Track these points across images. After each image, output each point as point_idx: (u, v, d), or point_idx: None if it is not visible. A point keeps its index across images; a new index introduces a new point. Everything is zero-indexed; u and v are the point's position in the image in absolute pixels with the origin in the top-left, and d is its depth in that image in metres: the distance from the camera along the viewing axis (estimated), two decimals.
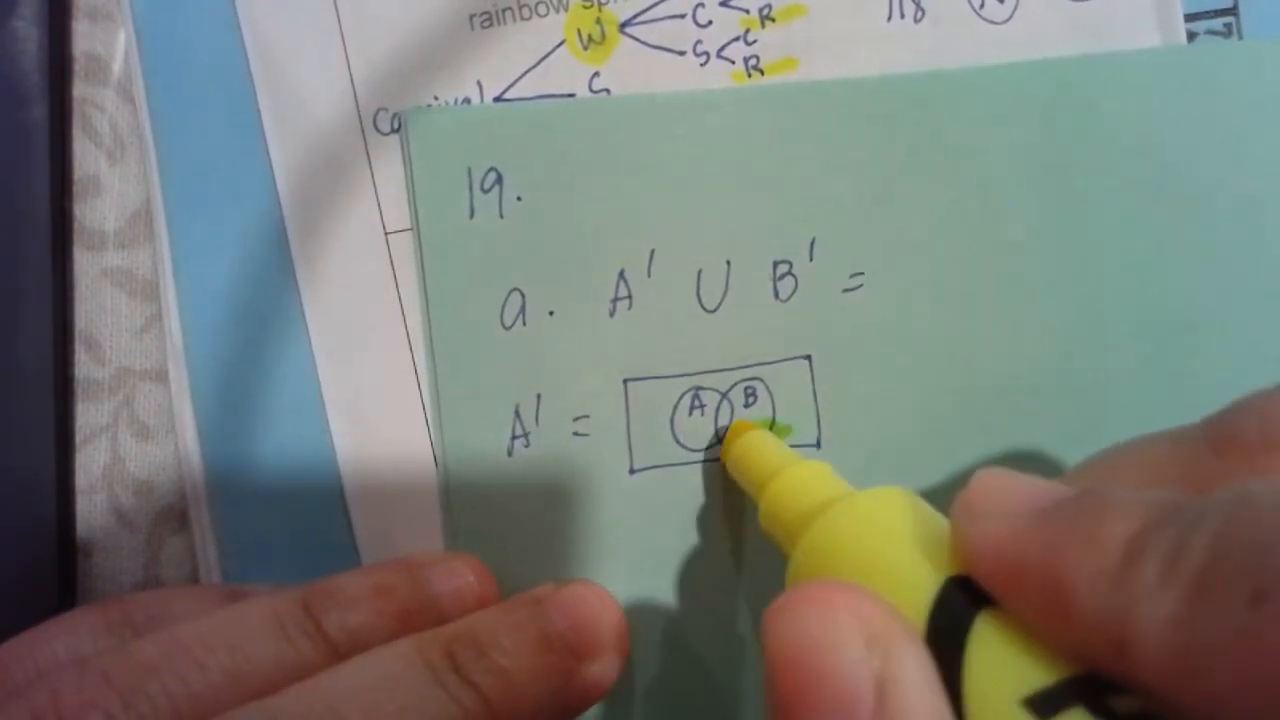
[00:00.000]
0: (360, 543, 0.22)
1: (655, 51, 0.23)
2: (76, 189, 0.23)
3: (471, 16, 0.23)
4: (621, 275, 0.22)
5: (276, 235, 0.22)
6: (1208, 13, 0.23)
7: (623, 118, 0.22)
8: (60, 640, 0.19)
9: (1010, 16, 0.23)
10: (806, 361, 0.23)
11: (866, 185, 0.22)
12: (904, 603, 0.13)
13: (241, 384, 0.22)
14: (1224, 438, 0.14)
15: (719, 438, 0.22)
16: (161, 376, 0.23)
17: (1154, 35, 0.23)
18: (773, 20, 0.23)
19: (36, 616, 0.19)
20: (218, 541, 0.22)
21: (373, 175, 0.23)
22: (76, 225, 0.23)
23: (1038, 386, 0.23)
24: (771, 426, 0.22)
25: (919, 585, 0.13)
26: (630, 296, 0.22)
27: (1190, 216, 0.23)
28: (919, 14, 0.23)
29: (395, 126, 0.22)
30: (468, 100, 0.23)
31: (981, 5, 0.23)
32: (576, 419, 0.22)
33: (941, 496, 0.15)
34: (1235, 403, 0.14)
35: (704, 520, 0.23)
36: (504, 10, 0.23)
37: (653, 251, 0.22)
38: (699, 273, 0.22)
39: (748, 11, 0.23)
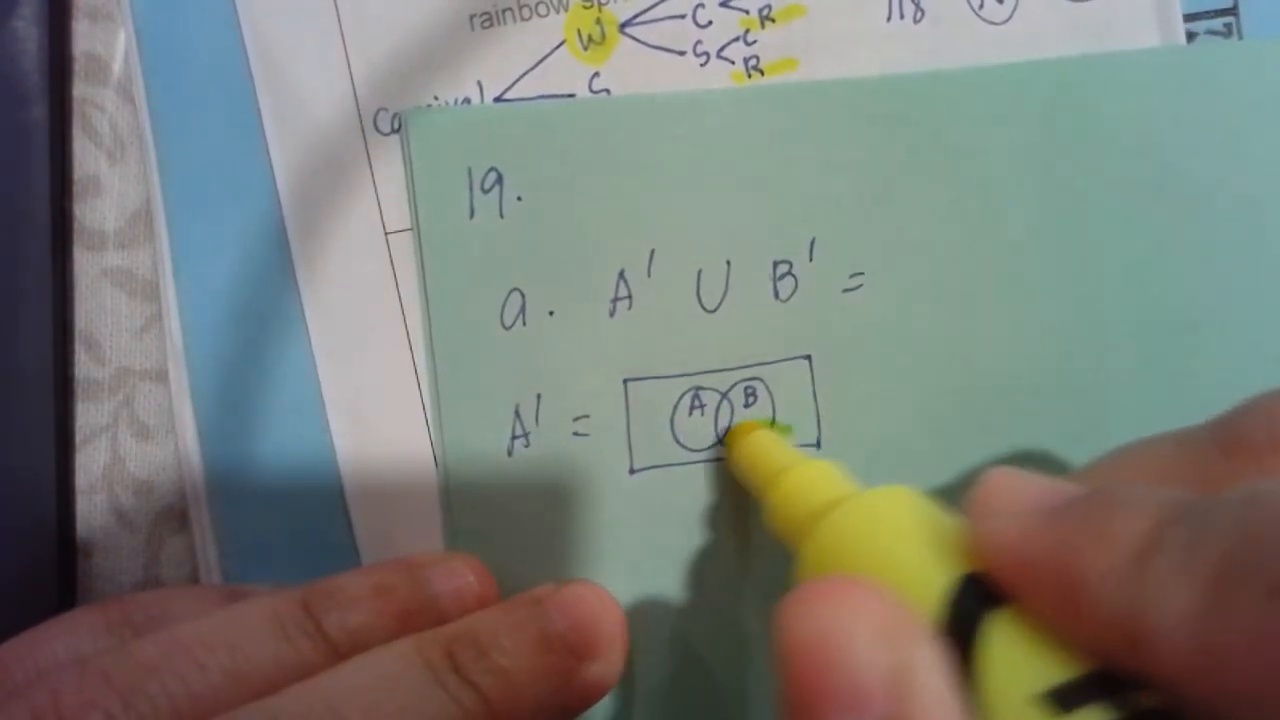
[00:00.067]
0: (360, 543, 0.22)
1: (655, 52, 0.23)
2: (76, 189, 0.23)
3: (471, 16, 0.23)
4: (621, 275, 0.22)
5: (276, 235, 0.22)
6: (1208, 13, 0.23)
7: (623, 118, 0.22)
8: (60, 640, 0.19)
9: (1010, 17, 0.23)
10: (806, 361, 0.23)
11: (866, 185, 0.22)
12: (915, 600, 0.13)
13: (241, 384, 0.22)
14: (1231, 438, 0.14)
15: (719, 438, 0.22)
16: (161, 376, 0.23)
17: (1154, 35, 0.23)
18: (773, 20, 0.23)
19: (36, 616, 0.19)
20: (218, 541, 0.22)
21: (373, 175, 0.23)
22: (76, 225, 0.23)
23: (1038, 386, 0.23)
24: (771, 427, 0.22)
25: (930, 582, 0.13)
26: (630, 296, 0.22)
27: (1190, 216, 0.23)
28: (919, 14, 0.23)
29: (395, 126, 0.23)
30: (468, 100, 0.23)
31: (981, 5, 0.23)
32: (576, 419, 0.22)
33: (942, 496, 0.15)
34: (1242, 404, 0.14)
35: (704, 520, 0.23)
36: (504, 10, 0.23)
37: (653, 251, 0.22)
38: (699, 273, 0.22)
39: (748, 12, 0.23)
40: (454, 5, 0.23)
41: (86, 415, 0.23)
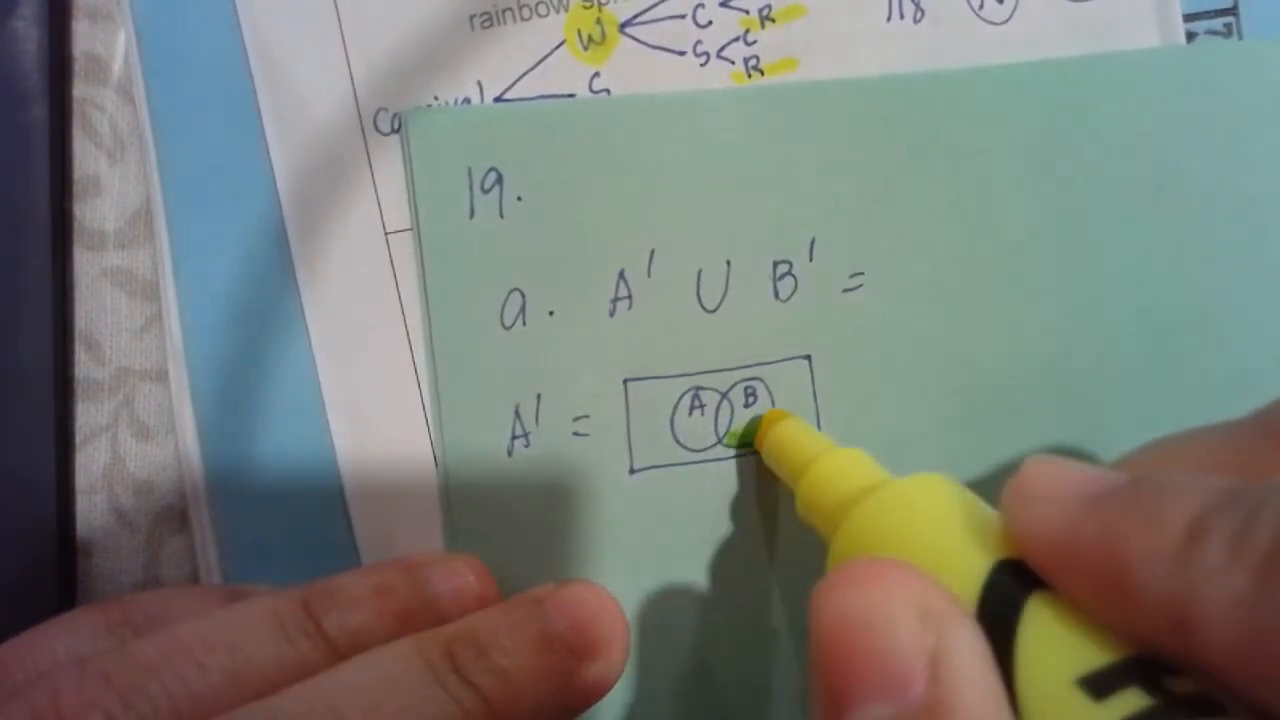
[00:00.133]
0: (360, 543, 0.22)
1: (655, 52, 0.23)
2: (76, 189, 0.23)
3: (471, 17, 0.23)
4: (621, 275, 0.22)
5: (276, 235, 0.22)
6: (1208, 13, 0.23)
7: (623, 118, 0.22)
8: (60, 640, 0.19)
9: (1010, 17, 0.23)
10: (806, 361, 0.23)
11: (866, 185, 0.22)
12: (952, 585, 0.13)
13: (241, 384, 0.22)
14: (1275, 429, 0.14)
15: (720, 438, 0.22)
16: (161, 376, 0.23)
17: (1154, 35, 0.23)
18: (773, 20, 0.23)
19: (36, 616, 0.19)
20: (218, 541, 0.22)
21: (373, 175, 0.23)
22: (76, 225, 0.23)
23: (1038, 386, 0.23)
24: None
25: (967, 568, 0.13)
26: (630, 296, 0.22)
27: (1190, 216, 0.23)
28: (919, 14, 0.23)
29: (395, 126, 0.23)
30: (468, 100, 0.23)
31: (981, 6, 0.23)
32: (576, 419, 0.22)
33: (1008, 480, 0.15)
34: None
35: (704, 520, 0.23)
36: (504, 10, 0.23)
37: (653, 251, 0.22)
38: (699, 273, 0.22)
39: (748, 12, 0.23)
40: (454, 5, 0.23)
41: (86, 415, 0.23)
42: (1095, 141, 0.23)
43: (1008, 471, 0.14)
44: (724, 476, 0.22)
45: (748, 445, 0.22)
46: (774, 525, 0.23)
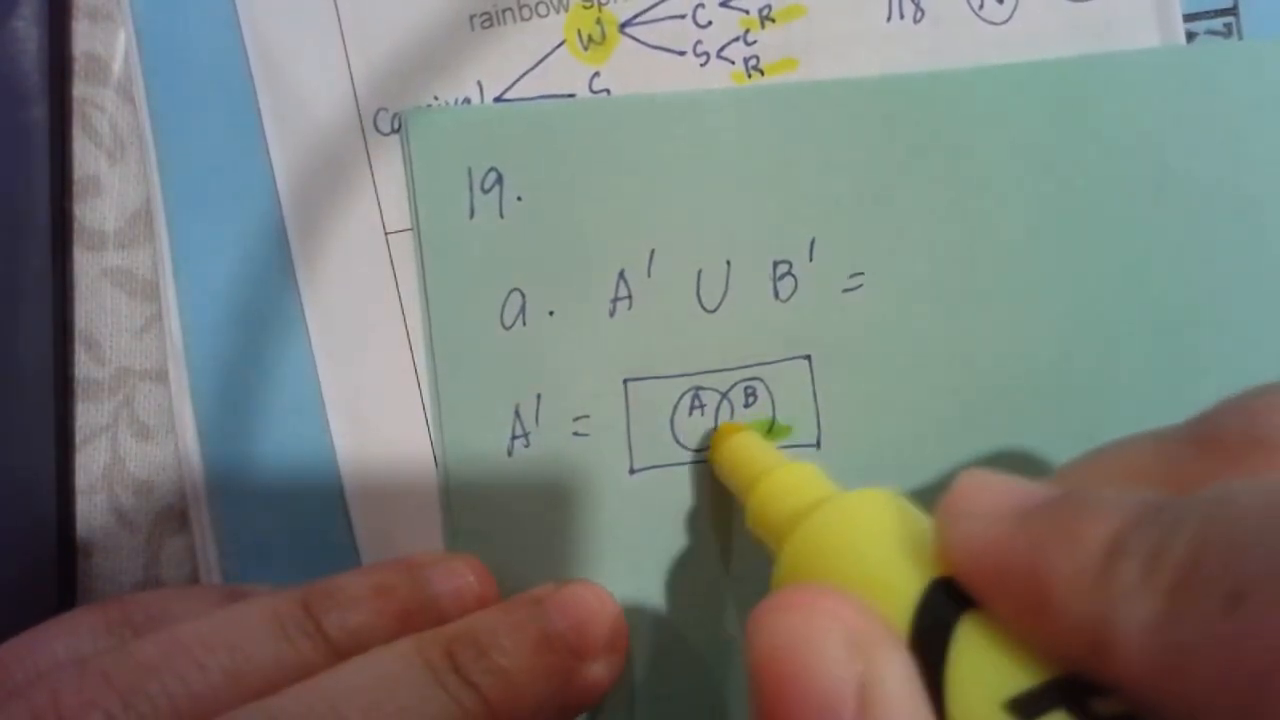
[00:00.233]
0: (360, 543, 0.22)
1: (655, 52, 0.23)
2: (76, 189, 0.23)
3: (471, 17, 0.23)
4: (621, 275, 0.22)
5: (276, 235, 0.22)
6: (1208, 13, 0.23)
7: (623, 118, 0.22)
8: (60, 640, 0.19)
9: (1010, 17, 0.23)
10: (806, 361, 0.23)
11: (866, 185, 0.22)
12: (889, 605, 0.13)
13: (241, 384, 0.22)
14: (1208, 437, 0.13)
15: None
16: (161, 376, 0.23)
17: (1154, 35, 0.23)
18: (773, 20, 0.23)
19: (36, 616, 0.19)
20: (218, 541, 0.22)
21: (373, 175, 0.23)
22: (76, 225, 0.23)
23: (1038, 386, 0.23)
24: (771, 426, 0.22)
25: (903, 587, 0.13)
26: (630, 296, 0.22)
27: (1190, 216, 0.23)
28: (919, 14, 0.23)
29: (395, 126, 0.23)
30: (468, 100, 0.23)
31: (981, 6, 0.23)
32: (576, 419, 0.22)
33: (941, 496, 0.15)
34: (1220, 402, 0.14)
35: (704, 520, 0.23)
36: (504, 10, 0.23)
37: (653, 251, 0.22)
38: (699, 273, 0.22)
39: (748, 12, 0.23)
40: (454, 5, 0.23)
41: (86, 415, 0.23)
42: (1095, 141, 0.23)
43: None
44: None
45: None
46: None
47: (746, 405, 0.22)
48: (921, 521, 0.15)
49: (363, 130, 0.23)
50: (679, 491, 0.22)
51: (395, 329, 0.23)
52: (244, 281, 0.23)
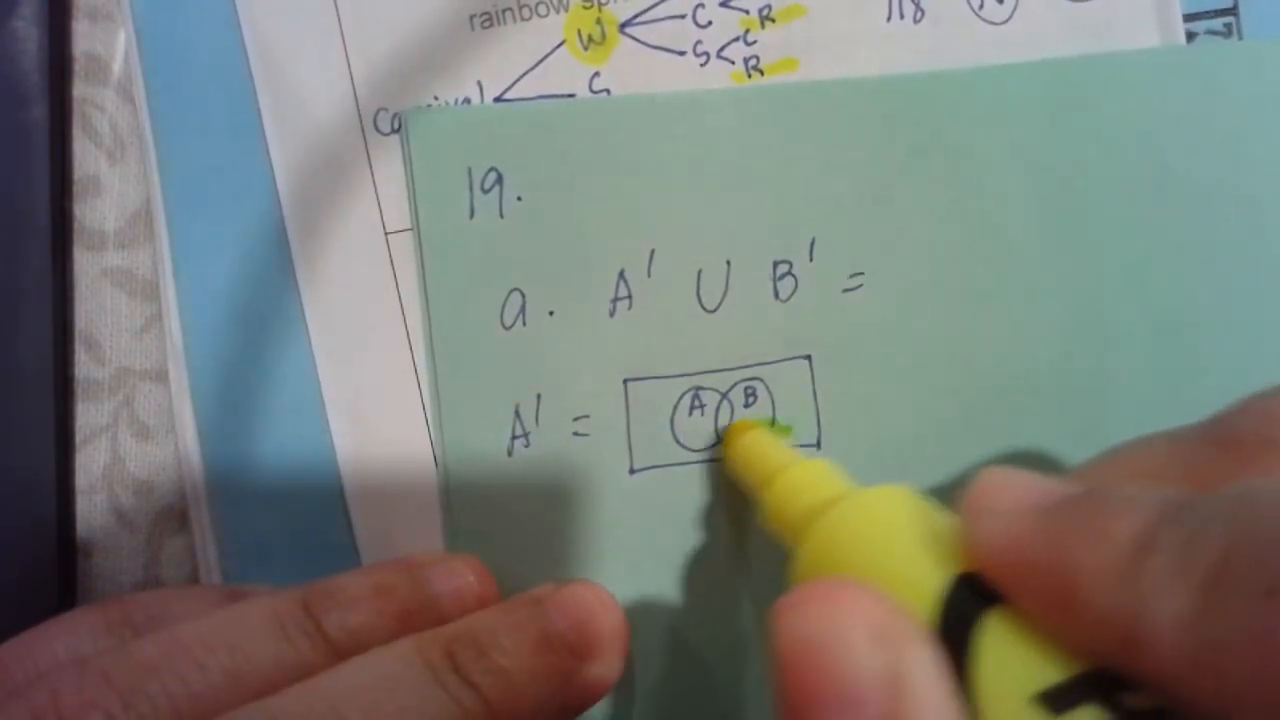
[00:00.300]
0: (360, 543, 0.22)
1: (655, 52, 0.23)
2: (76, 189, 0.23)
3: (471, 17, 0.23)
4: (621, 275, 0.22)
5: (276, 235, 0.22)
6: (1208, 13, 0.23)
7: (623, 118, 0.22)
8: (60, 640, 0.19)
9: (1010, 17, 0.23)
10: (806, 361, 0.23)
11: (866, 185, 0.22)
12: (910, 600, 0.13)
13: (241, 384, 0.22)
14: (1225, 437, 0.14)
15: (719, 438, 0.22)
16: (161, 376, 0.23)
17: (1154, 35, 0.23)
18: (773, 20, 0.23)
19: (36, 616, 0.19)
20: (218, 541, 0.22)
21: (373, 175, 0.23)
22: (76, 225, 0.23)
23: (1038, 386, 0.23)
24: (771, 426, 0.22)
25: (925, 582, 0.13)
26: (630, 296, 0.22)
27: (1190, 216, 0.23)
28: (919, 14, 0.23)
29: (395, 126, 0.23)
30: (468, 100, 0.23)
31: (981, 5, 0.23)
32: (576, 419, 0.22)
33: (942, 496, 0.15)
34: (1236, 402, 0.14)
35: (704, 520, 0.23)
36: (504, 10, 0.23)
37: (653, 251, 0.22)
38: (699, 273, 0.22)
39: (748, 12, 0.23)
40: (454, 5, 0.23)
41: (86, 415, 0.23)
42: (1095, 141, 0.23)
43: None
44: (724, 476, 0.22)
45: None
46: None
47: (746, 405, 0.22)
48: (939, 518, 0.15)
49: (363, 130, 0.23)
50: (679, 491, 0.22)
51: (395, 329, 0.23)
52: (244, 281, 0.23)
